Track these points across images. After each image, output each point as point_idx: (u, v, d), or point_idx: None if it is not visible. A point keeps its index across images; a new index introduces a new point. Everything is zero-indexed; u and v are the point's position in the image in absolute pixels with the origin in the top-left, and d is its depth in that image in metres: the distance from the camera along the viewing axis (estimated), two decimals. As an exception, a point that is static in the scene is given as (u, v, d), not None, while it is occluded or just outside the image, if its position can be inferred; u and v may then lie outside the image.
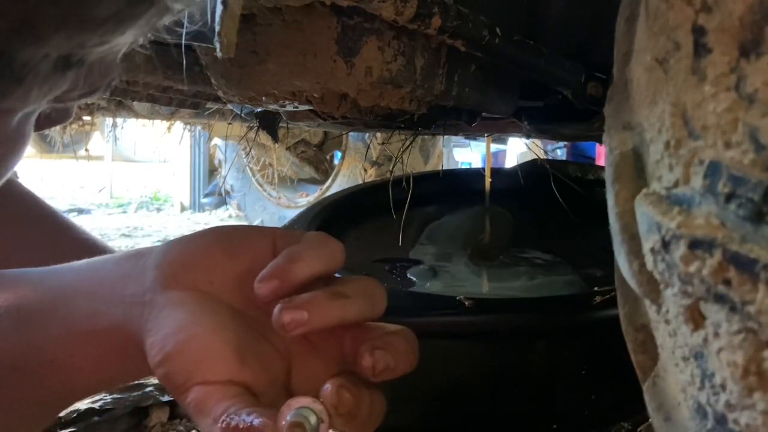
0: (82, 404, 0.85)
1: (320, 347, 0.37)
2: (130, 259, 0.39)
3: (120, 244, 2.60)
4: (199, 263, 0.38)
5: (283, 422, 0.31)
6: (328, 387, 0.33)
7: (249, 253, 0.38)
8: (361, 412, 0.33)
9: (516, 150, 2.99)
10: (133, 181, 4.71)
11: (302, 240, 0.37)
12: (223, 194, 3.22)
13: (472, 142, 3.15)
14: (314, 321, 0.33)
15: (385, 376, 0.34)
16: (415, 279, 0.99)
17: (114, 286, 0.38)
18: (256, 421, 0.31)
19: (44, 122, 0.36)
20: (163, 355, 0.34)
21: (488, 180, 1.18)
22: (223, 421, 0.31)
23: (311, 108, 0.57)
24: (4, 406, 0.37)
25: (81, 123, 1.14)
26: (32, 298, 0.38)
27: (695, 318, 0.29)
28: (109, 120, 1.52)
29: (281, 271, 0.35)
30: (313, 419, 0.32)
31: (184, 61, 0.68)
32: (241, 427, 0.31)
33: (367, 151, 2.29)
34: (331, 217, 1.09)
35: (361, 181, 2.35)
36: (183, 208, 3.99)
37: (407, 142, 1.46)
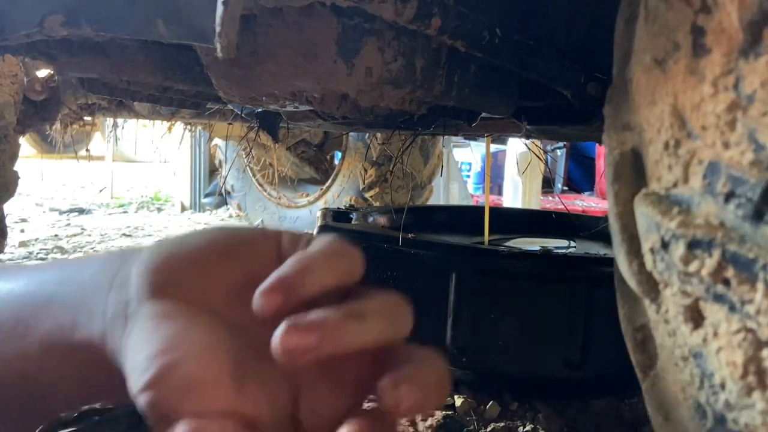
0: (83, 404, 0.85)
1: (333, 372, 0.31)
2: (113, 263, 0.34)
3: (121, 244, 2.60)
4: (192, 269, 0.33)
5: None
6: None
7: (250, 258, 0.33)
8: None
9: (516, 150, 2.98)
10: (134, 181, 4.71)
11: (313, 246, 0.32)
12: (224, 194, 3.22)
13: (472, 142, 3.14)
14: (325, 347, 0.28)
15: (411, 414, 0.29)
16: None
17: (94, 294, 0.33)
18: None
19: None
20: (146, 380, 0.29)
21: (488, 179, 1.19)
22: None
23: (311, 108, 0.57)
24: None
25: (82, 123, 1.14)
26: (1, 308, 0.34)
27: (694, 317, 0.29)
28: (109, 120, 1.52)
29: (287, 283, 0.30)
30: None
31: (185, 62, 0.68)
32: None
33: (367, 151, 2.29)
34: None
35: (361, 181, 2.35)
36: (183, 209, 3.99)
37: (407, 142, 1.46)
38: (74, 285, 0.35)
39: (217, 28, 0.39)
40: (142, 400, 0.29)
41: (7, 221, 0.65)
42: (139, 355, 0.30)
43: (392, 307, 0.31)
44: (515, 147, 2.98)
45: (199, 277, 0.32)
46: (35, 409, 0.35)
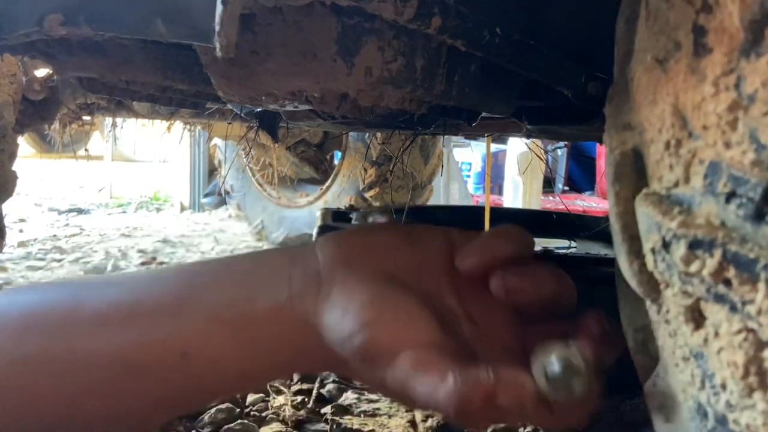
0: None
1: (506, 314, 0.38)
2: (276, 252, 0.40)
3: (120, 244, 2.59)
4: (382, 246, 0.38)
5: (542, 368, 0.30)
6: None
7: (428, 245, 0.38)
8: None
9: (516, 150, 2.98)
10: (133, 181, 4.71)
11: (495, 230, 0.39)
12: (223, 194, 3.21)
13: (472, 142, 3.15)
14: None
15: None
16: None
17: (272, 271, 0.38)
18: (510, 374, 0.31)
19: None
20: (361, 323, 0.33)
21: (488, 179, 1.18)
22: (458, 379, 0.31)
23: (311, 108, 0.56)
24: (111, 409, 0.35)
25: (81, 123, 1.14)
26: (149, 294, 0.37)
27: (695, 318, 0.29)
28: (108, 120, 1.52)
29: (485, 247, 0.37)
30: (576, 360, 0.31)
31: (184, 61, 0.68)
32: (489, 384, 0.30)
33: (367, 151, 2.29)
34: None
35: (361, 181, 2.35)
36: (183, 208, 3.99)
37: (407, 142, 1.46)
38: (240, 268, 0.38)
39: (217, 28, 0.39)
40: (353, 342, 0.33)
41: (6, 221, 0.64)
42: (349, 306, 0.34)
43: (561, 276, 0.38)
44: (516, 147, 2.98)
45: (388, 252, 0.37)
46: (183, 389, 0.37)
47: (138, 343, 0.35)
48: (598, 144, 2.69)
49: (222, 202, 3.79)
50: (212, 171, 3.95)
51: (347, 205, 1.89)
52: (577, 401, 0.32)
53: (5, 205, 0.66)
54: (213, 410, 0.91)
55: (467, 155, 4.15)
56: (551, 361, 0.31)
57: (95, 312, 0.35)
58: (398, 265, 0.37)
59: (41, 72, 0.63)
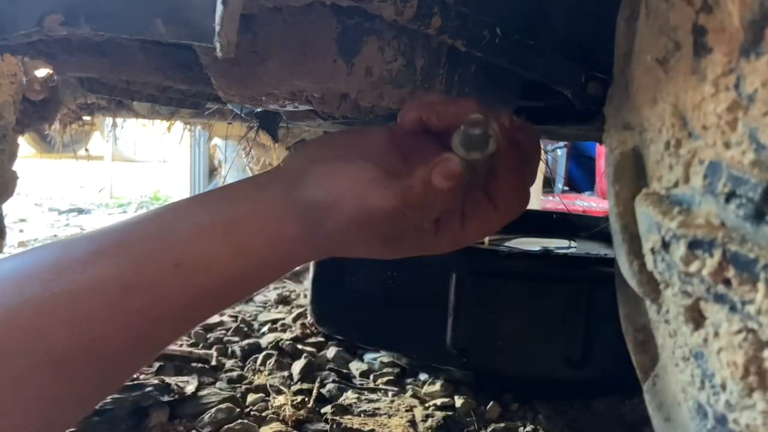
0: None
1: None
2: (248, 178, 0.44)
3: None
4: (337, 141, 0.44)
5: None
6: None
7: (371, 132, 0.45)
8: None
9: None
10: (133, 181, 4.71)
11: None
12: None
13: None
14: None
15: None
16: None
17: (248, 182, 0.43)
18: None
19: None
20: (324, 185, 0.40)
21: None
22: (401, 180, 0.39)
23: (311, 108, 0.57)
24: (112, 331, 0.37)
25: (81, 123, 1.14)
26: (136, 227, 0.39)
27: (695, 318, 0.29)
28: (109, 120, 1.52)
29: (425, 104, 0.42)
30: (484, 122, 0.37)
31: (184, 61, 0.68)
32: (424, 171, 0.38)
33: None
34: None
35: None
36: (183, 208, 3.99)
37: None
38: (218, 192, 0.42)
39: (217, 28, 0.39)
40: (321, 199, 0.40)
41: (6, 221, 0.64)
42: (313, 180, 0.40)
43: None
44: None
45: (337, 146, 0.43)
46: (188, 301, 0.39)
47: (131, 263, 0.37)
48: (598, 144, 2.69)
49: (222, 202, 3.78)
50: (212, 171, 3.95)
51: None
52: (490, 157, 0.38)
53: (5, 205, 0.66)
54: (213, 410, 0.91)
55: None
56: (466, 128, 0.37)
57: (86, 251, 0.38)
58: (350, 151, 0.42)
59: (41, 72, 0.63)
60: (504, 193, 0.42)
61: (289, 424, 0.92)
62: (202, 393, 0.99)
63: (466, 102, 0.41)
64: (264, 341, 1.23)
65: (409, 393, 1.05)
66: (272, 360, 1.13)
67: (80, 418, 0.39)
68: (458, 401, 1.00)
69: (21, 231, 2.85)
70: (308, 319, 1.32)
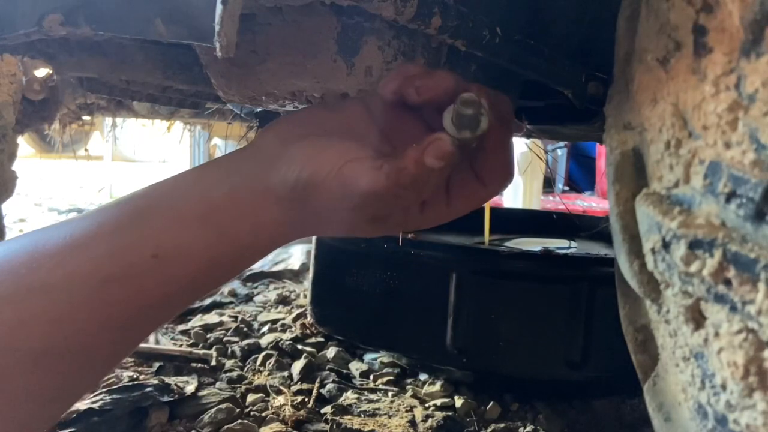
0: (82, 404, 0.85)
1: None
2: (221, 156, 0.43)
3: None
4: (308, 118, 0.43)
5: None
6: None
7: (346, 106, 0.44)
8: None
9: (517, 150, 2.98)
10: (133, 181, 4.71)
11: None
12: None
13: (472, 142, 3.14)
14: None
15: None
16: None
17: (222, 164, 0.41)
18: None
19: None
20: (302, 164, 0.39)
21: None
22: (391, 160, 0.38)
23: (311, 108, 0.56)
24: (94, 324, 0.37)
25: (80, 123, 1.14)
26: (110, 215, 0.38)
27: (695, 318, 0.29)
28: (108, 120, 1.51)
29: (404, 74, 0.41)
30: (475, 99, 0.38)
31: (184, 61, 0.68)
32: (415, 150, 0.37)
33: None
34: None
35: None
36: (183, 208, 3.99)
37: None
38: (191, 174, 0.41)
39: (217, 27, 0.38)
40: (302, 178, 0.39)
41: (6, 221, 0.64)
42: (290, 160, 0.39)
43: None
44: (516, 147, 2.97)
45: (309, 124, 0.42)
46: (168, 290, 0.39)
47: (108, 255, 0.37)
48: (598, 144, 2.68)
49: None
50: (212, 171, 3.95)
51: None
52: (481, 135, 0.38)
53: (5, 205, 0.66)
54: (213, 410, 0.91)
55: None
56: (458, 107, 0.38)
57: (60, 243, 0.37)
58: (327, 129, 0.42)
59: (41, 72, 0.63)
60: (492, 169, 0.42)
61: (289, 424, 0.92)
62: (201, 393, 0.99)
63: (444, 75, 0.41)
64: (264, 341, 1.23)
65: (409, 393, 1.05)
66: (272, 360, 1.13)
67: (65, 412, 0.39)
68: (458, 401, 1.00)
69: (21, 231, 2.85)
70: (308, 319, 1.32)
